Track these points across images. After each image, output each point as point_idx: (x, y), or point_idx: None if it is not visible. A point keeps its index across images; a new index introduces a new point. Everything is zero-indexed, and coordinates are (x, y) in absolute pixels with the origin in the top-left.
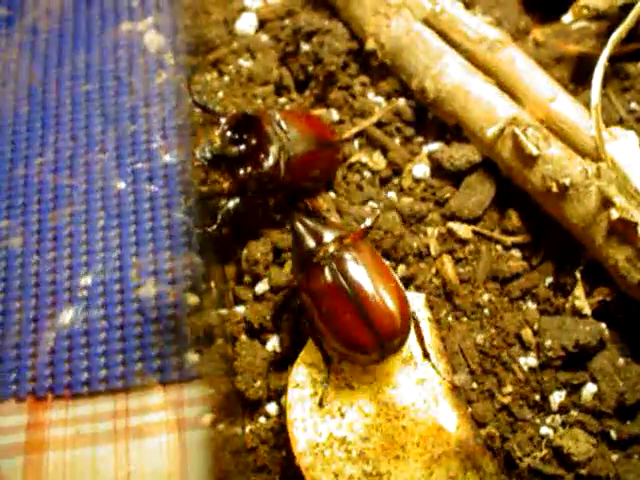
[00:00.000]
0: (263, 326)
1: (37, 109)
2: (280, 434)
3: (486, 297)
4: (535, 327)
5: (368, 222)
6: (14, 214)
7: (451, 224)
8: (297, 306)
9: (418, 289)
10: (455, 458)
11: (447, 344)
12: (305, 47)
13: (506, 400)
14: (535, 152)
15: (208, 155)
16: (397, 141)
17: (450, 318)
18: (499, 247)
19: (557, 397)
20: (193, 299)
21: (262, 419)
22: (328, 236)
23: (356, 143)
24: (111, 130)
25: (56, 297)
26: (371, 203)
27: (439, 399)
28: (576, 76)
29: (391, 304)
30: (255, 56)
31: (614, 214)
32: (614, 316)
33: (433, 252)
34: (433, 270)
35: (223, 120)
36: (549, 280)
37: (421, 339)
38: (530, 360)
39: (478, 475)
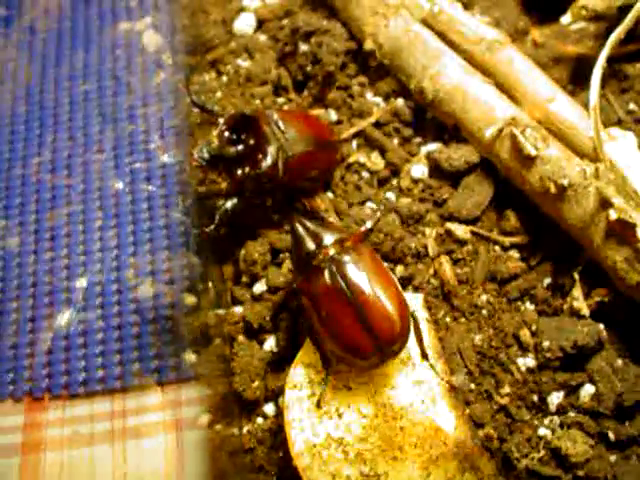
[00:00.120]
0: (262, 326)
1: (35, 109)
2: (277, 435)
3: (484, 298)
4: (533, 328)
5: (368, 224)
6: (12, 214)
7: (449, 225)
8: (295, 307)
9: (416, 289)
10: (453, 459)
11: (445, 345)
12: (303, 47)
13: (504, 401)
14: (533, 153)
15: (206, 156)
16: (395, 141)
17: (448, 319)
18: (497, 248)
19: (555, 398)
20: (191, 299)
21: (259, 420)
22: (328, 238)
23: (354, 143)
24: (109, 130)
25: (53, 297)
26: (369, 204)
27: (437, 400)
28: (575, 77)
29: (391, 308)
30: (253, 56)
31: (612, 215)
32: (612, 317)
33: (431, 252)
34: (431, 271)
35: (221, 120)
36: (547, 281)
37: (420, 339)
38: (528, 361)
39: (476, 476)
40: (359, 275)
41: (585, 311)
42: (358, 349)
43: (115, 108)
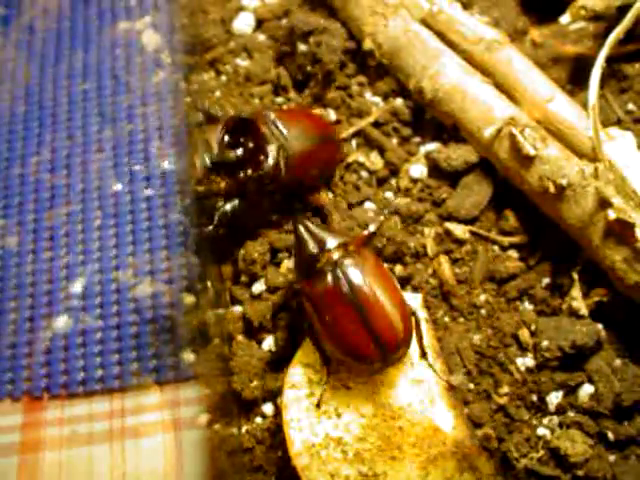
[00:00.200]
0: (261, 326)
1: (34, 108)
2: (276, 434)
3: (483, 298)
4: (532, 328)
5: (372, 228)
6: (10, 213)
7: (448, 224)
8: (295, 307)
9: (415, 289)
10: (451, 459)
11: (444, 344)
12: (302, 47)
13: (503, 401)
14: (532, 152)
15: (209, 164)
16: (394, 141)
17: (447, 318)
18: (496, 248)
19: (554, 398)
20: (189, 299)
21: (258, 419)
22: (331, 242)
23: (353, 143)
24: (108, 129)
25: (52, 296)
26: (368, 204)
27: (435, 399)
28: (574, 77)
29: (396, 314)
30: (252, 55)
31: (611, 215)
32: (611, 317)
33: (430, 252)
34: (430, 270)
35: (220, 125)
36: (546, 281)
37: (420, 339)
38: (527, 361)
39: (474, 476)
40: (364, 280)
41: (584, 311)
42: (362, 354)
43: (114, 107)
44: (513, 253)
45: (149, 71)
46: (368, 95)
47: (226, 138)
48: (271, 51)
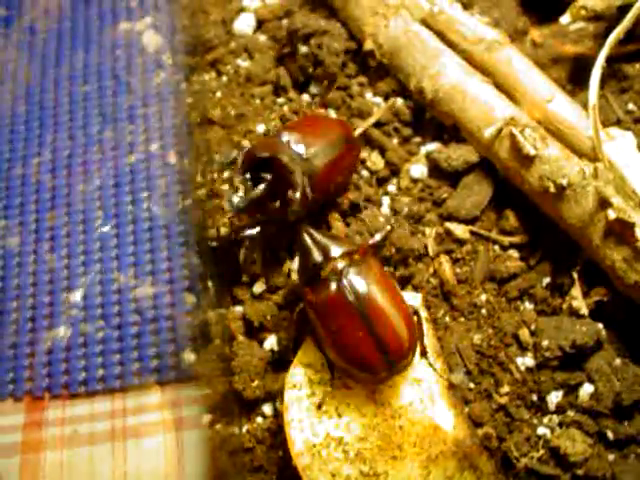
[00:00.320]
0: (262, 325)
1: (35, 109)
2: (277, 434)
3: (483, 297)
4: (532, 327)
5: (378, 237)
6: (12, 214)
7: (448, 224)
8: (295, 307)
9: (415, 289)
10: (452, 458)
11: (444, 344)
12: (303, 49)
13: (503, 400)
14: (532, 152)
15: (240, 206)
16: (395, 141)
17: (447, 318)
18: (497, 247)
19: (554, 397)
20: (190, 299)
21: (259, 419)
22: (336, 250)
23: None
24: (109, 130)
25: (53, 297)
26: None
27: (435, 399)
28: (574, 77)
29: (401, 324)
30: (253, 56)
31: (611, 214)
32: (611, 316)
33: (431, 252)
34: (431, 270)
35: (239, 165)
36: (546, 280)
37: (421, 338)
38: (527, 360)
39: (475, 475)
40: (369, 289)
41: (584, 311)
42: (367, 364)
43: (115, 108)
44: (514, 253)
45: (150, 72)
46: (369, 95)
47: (248, 176)
48: (272, 52)
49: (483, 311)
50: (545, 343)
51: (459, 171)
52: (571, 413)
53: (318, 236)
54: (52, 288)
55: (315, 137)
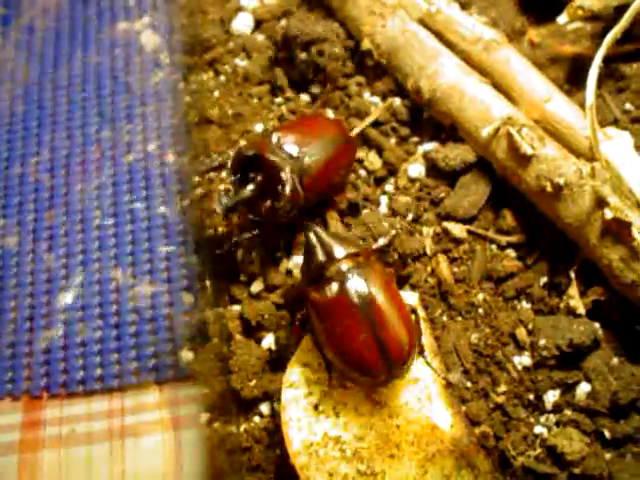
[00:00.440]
0: (260, 324)
1: (33, 108)
2: (275, 433)
3: (481, 296)
4: (529, 326)
5: (381, 241)
6: (10, 213)
7: (446, 224)
8: (296, 306)
9: (413, 288)
10: (449, 457)
11: (441, 343)
12: (302, 55)
13: (500, 399)
14: (530, 152)
15: (227, 205)
16: (392, 141)
17: (445, 317)
18: (494, 247)
19: (551, 396)
20: (188, 298)
21: (257, 418)
22: (341, 252)
23: None
24: (107, 129)
25: (51, 296)
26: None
27: (433, 398)
28: (571, 77)
29: (402, 328)
30: (251, 56)
31: (608, 214)
32: (608, 316)
33: (428, 251)
34: (428, 269)
35: (229, 164)
36: (543, 280)
37: (419, 336)
38: (524, 359)
39: (472, 473)
40: (374, 292)
41: (581, 310)
42: (367, 367)
43: (113, 107)
44: (511, 252)
45: (148, 71)
46: (366, 95)
47: (238, 176)
48: (270, 51)
49: (480, 310)
50: (542, 342)
51: (457, 171)
52: (568, 412)
53: (324, 236)
54: (50, 287)
55: (308, 137)
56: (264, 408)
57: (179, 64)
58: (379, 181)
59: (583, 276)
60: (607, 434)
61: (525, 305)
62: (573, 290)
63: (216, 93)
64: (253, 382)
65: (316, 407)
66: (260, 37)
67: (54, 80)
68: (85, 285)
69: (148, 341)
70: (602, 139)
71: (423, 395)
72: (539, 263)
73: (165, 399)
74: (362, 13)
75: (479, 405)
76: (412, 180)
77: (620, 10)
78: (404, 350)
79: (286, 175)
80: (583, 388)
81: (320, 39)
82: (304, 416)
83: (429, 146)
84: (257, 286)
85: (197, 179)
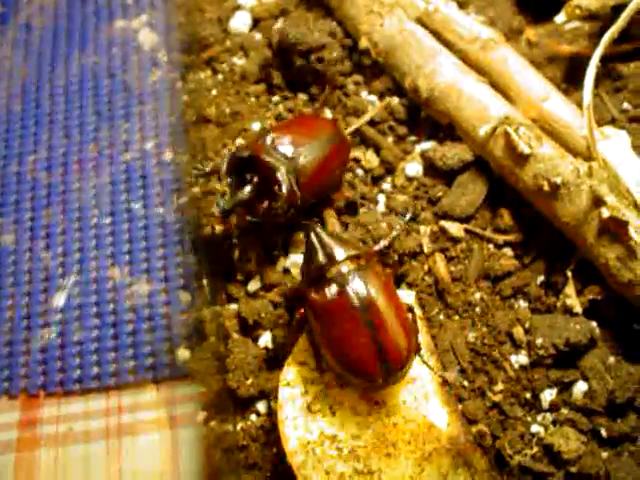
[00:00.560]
0: (256, 323)
1: (31, 106)
2: (271, 432)
3: (478, 295)
4: (526, 325)
5: (382, 243)
6: (7, 211)
7: (443, 222)
8: (294, 305)
9: (410, 287)
10: (446, 455)
11: (438, 342)
12: (299, 62)
13: (497, 398)
14: (527, 151)
15: (226, 208)
16: (390, 140)
17: (442, 316)
18: (491, 246)
19: (548, 395)
20: (185, 297)
21: (253, 417)
22: (342, 253)
23: None
24: (105, 128)
25: (48, 294)
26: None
27: (429, 396)
28: (569, 76)
29: (401, 332)
30: (249, 54)
31: (605, 213)
32: (605, 314)
33: (425, 250)
34: (425, 268)
35: (224, 168)
36: (540, 279)
37: (416, 334)
38: (521, 358)
39: (469, 472)
40: (374, 295)
41: (578, 309)
42: (364, 371)
43: (111, 106)
44: (508, 251)
45: (146, 70)
46: (364, 94)
47: (233, 179)
48: (267, 50)
49: (477, 309)
50: (539, 341)
51: (454, 170)
52: (565, 411)
53: (325, 237)
54: (47, 286)
55: (302, 137)
56: (261, 407)
57: (177, 63)
58: (376, 180)
59: (580, 275)
60: (604, 433)
61: (522, 304)
62: (570, 289)
63: (214, 92)
64: (250, 381)
65: (312, 406)
66: (258, 36)
67: (51, 79)
68: (82, 284)
69: (145, 340)
70: (599, 138)
71: (420, 394)
72: (536, 262)
73: (162, 398)
74: (360, 12)
75: (476, 404)
76: (409, 179)
77: (617, 10)
78: (402, 354)
79: (282, 176)
80: (580, 387)
81: (319, 47)
82: (300, 415)
83: (426, 145)
84: (254, 285)
85: (194, 178)
